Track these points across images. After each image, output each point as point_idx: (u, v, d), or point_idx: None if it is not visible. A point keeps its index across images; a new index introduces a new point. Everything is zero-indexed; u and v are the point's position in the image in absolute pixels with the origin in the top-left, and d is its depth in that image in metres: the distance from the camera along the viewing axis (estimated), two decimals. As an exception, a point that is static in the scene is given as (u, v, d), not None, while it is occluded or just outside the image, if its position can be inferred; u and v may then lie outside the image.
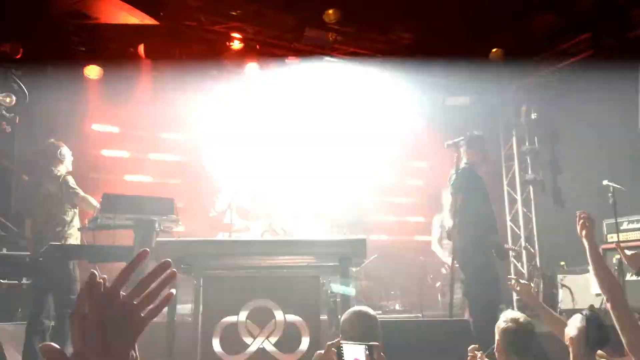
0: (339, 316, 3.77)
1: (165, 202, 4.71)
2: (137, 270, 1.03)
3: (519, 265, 9.35)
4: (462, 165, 5.19)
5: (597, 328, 2.86)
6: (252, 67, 7.63)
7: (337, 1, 6.86)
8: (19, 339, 4.87)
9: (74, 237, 5.26)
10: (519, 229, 9.50)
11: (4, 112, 5.31)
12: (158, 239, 4.48)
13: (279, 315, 3.93)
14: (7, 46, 6.35)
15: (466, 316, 5.44)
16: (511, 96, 9.65)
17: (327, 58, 7.94)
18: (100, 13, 6.28)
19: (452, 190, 5.06)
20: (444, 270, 7.06)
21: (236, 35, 7.36)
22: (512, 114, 9.71)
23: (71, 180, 5.28)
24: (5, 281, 6.01)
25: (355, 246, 3.89)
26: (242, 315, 3.93)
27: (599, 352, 2.88)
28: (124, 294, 0.99)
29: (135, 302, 0.99)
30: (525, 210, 9.54)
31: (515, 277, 3.57)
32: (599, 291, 3.04)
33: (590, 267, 2.95)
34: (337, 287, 4.70)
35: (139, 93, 7.50)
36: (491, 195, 5.36)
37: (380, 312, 6.78)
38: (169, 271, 1.02)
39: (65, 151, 5.40)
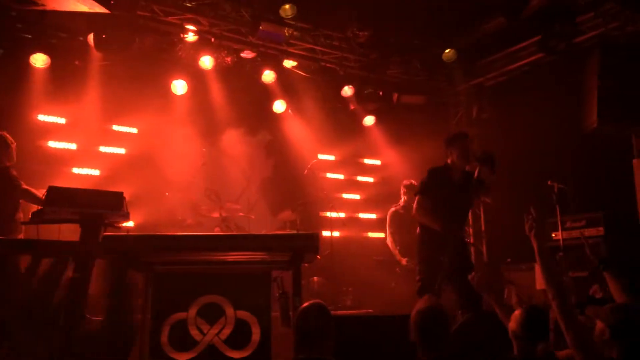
0: (291, 312, 3.77)
1: (114, 196, 4.59)
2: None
3: (468, 261, 9.55)
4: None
5: (538, 321, 2.97)
6: (206, 59, 7.54)
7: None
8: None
9: (17, 232, 5.08)
10: (468, 226, 9.71)
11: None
12: (105, 233, 4.38)
13: (229, 311, 3.90)
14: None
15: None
16: (463, 96, 9.86)
17: (283, 53, 7.91)
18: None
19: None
20: (398, 270, 7.15)
21: (191, 27, 7.24)
22: (464, 114, 9.93)
23: (14, 173, 5.09)
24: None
25: (308, 242, 3.88)
26: (192, 312, 3.88)
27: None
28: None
29: None
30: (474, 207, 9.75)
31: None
32: (543, 287, 3.15)
33: (539, 265, 3.04)
34: None
35: (89, 83, 7.27)
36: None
37: (332, 307, 6.81)
38: None
39: (8, 142, 5.21)
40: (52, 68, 7.04)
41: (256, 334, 3.87)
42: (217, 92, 8.03)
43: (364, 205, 9.64)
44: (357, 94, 8.66)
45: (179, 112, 7.97)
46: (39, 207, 4.58)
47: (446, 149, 5.18)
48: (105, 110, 7.56)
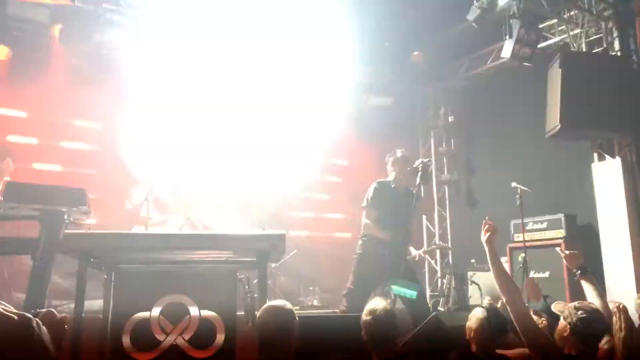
0: (256, 312, 3.73)
1: (75, 193, 4.49)
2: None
3: (432, 262, 9.68)
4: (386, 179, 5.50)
5: (496, 318, 3.06)
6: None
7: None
8: None
9: (-27, 228, 4.91)
10: (434, 227, 9.84)
11: None
12: (66, 231, 4.26)
13: (193, 311, 3.83)
14: None
15: None
16: (430, 98, 9.99)
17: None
18: (9, -11, 5.89)
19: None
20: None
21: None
22: (431, 115, 10.05)
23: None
24: None
25: (274, 241, 3.85)
26: (155, 311, 3.81)
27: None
28: None
29: None
30: (440, 209, 9.88)
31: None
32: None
33: (491, 270, 3.15)
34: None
35: (51, 77, 7.07)
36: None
37: (298, 307, 6.80)
38: None
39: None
40: (13, 60, 6.84)
41: (220, 334, 3.82)
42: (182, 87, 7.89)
43: (332, 206, 9.64)
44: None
45: (144, 107, 7.81)
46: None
47: (390, 165, 5.52)
48: (67, 104, 7.37)
